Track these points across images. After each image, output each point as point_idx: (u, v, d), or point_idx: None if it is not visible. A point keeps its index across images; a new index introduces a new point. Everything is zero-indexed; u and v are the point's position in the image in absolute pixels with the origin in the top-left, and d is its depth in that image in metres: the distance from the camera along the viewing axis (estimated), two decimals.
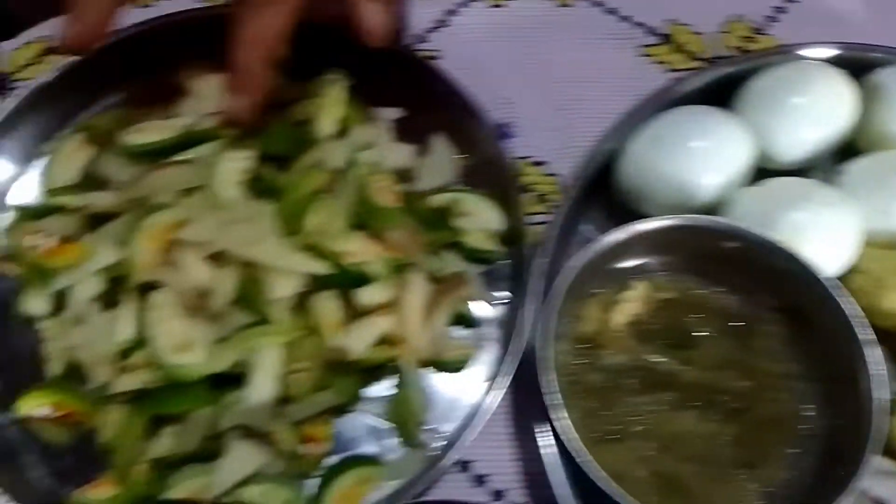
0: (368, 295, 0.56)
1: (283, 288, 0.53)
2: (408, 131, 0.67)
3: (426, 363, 0.58)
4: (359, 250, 0.56)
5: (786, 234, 0.58)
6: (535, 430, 0.58)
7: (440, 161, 0.67)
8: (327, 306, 0.54)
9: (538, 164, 0.70)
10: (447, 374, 0.61)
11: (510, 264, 0.65)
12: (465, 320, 0.62)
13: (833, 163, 0.65)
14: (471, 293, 0.62)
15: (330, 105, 0.61)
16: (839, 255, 0.60)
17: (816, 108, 0.63)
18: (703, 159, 0.61)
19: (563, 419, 0.53)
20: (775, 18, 0.78)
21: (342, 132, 0.63)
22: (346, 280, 0.55)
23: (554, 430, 0.55)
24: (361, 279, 0.56)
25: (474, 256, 0.64)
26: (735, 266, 0.60)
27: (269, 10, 0.51)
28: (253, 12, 0.51)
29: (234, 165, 0.54)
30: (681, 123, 0.63)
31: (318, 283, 0.55)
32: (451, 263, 0.62)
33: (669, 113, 0.64)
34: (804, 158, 0.64)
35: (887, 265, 0.59)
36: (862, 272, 0.60)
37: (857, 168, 0.62)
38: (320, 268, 0.53)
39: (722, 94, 0.66)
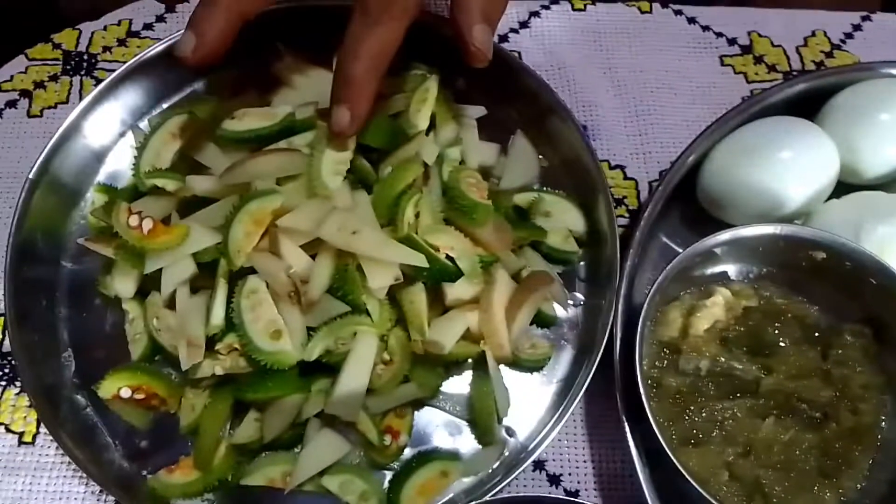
0: (458, 290, 0.56)
1: (381, 278, 0.53)
2: (491, 128, 0.67)
3: (507, 361, 0.58)
4: (451, 245, 0.56)
5: (872, 248, 0.58)
6: (610, 433, 0.58)
7: (523, 160, 0.67)
8: (418, 300, 0.54)
9: (616, 167, 0.70)
10: (525, 372, 0.61)
11: (586, 266, 0.65)
12: (544, 319, 0.62)
13: None
14: (553, 293, 0.62)
15: (423, 100, 0.61)
16: None
17: None
18: (790, 170, 0.61)
19: (651, 422, 0.53)
20: (852, 35, 0.77)
21: (430, 128, 0.63)
22: (439, 274, 0.55)
23: (632, 432, 0.55)
24: (452, 274, 0.56)
25: (554, 256, 0.64)
26: (819, 276, 0.60)
27: (387, 26, 0.50)
28: (370, 27, 0.50)
29: (335, 156, 0.54)
30: (769, 134, 0.63)
31: (409, 277, 0.55)
32: (535, 262, 0.62)
33: (757, 123, 0.64)
34: (888, 174, 0.64)
35: None
36: None
37: None
38: (420, 259, 0.53)
39: (805, 106, 0.66)
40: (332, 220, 0.52)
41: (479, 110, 0.67)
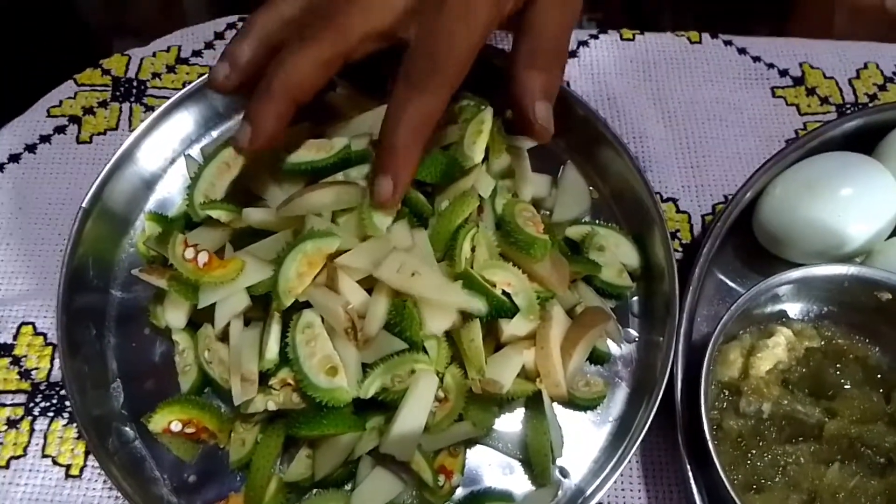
0: (514, 327, 0.55)
1: (439, 322, 0.52)
2: (540, 159, 0.66)
3: (563, 399, 0.56)
4: (508, 280, 0.55)
5: None
6: (668, 476, 0.57)
7: (574, 191, 0.66)
8: (477, 338, 0.53)
9: (668, 200, 0.69)
10: (579, 410, 0.60)
11: (640, 301, 0.63)
12: (598, 356, 0.61)
13: None
14: (608, 329, 0.61)
15: (479, 132, 0.60)
16: None
17: None
18: (851, 207, 0.60)
19: (717, 467, 0.51)
20: None
21: (485, 160, 0.62)
22: (496, 310, 0.54)
23: (695, 477, 0.54)
24: (509, 310, 0.55)
25: (608, 291, 0.62)
26: (882, 317, 0.58)
27: (430, 95, 0.50)
28: (413, 95, 0.50)
29: None
30: (828, 169, 0.62)
31: (466, 313, 0.54)
32: (588, 298, 0.61)
33: (816, 158, 0.63)
34: None
35: None
36: None
37: None
38: (479, 304, 0.52)
39: (863, 141, 0.65)
40: (390, 261, 0.51)
41: (529, 141, 0.66)
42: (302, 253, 0.52)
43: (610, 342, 0.62)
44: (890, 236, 0.62)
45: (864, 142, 0.65)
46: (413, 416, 0.51)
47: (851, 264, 0.58)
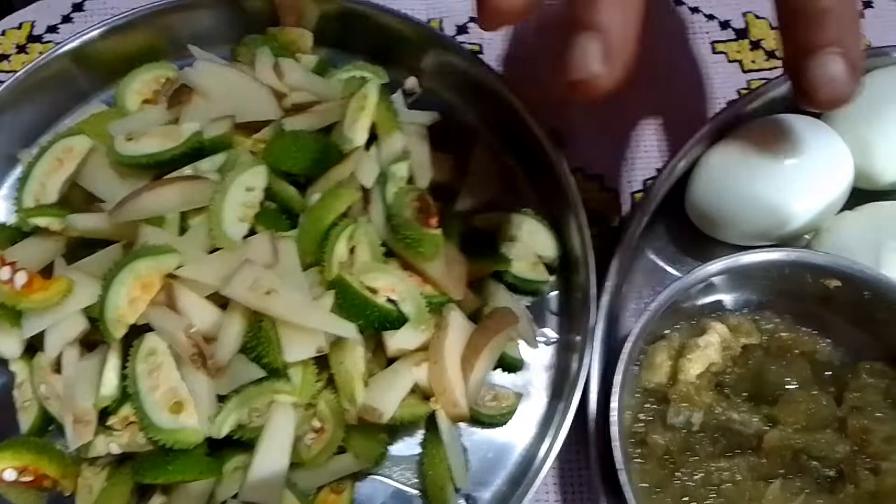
0: (401, 339, 0.47)
1: (300, 349, 0.44)
2: (448, 138, 0.58)
3: (463, 419, 0.49)
4: (392, 286, 0.47)
5: (892, 269, 0.49)
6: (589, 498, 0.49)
7: (484, 174, 0.58)
8: (348, 360, 0.45)
9: (593, 177, 0.60)
10: (487, 428, 0.52)
11: (560, 296, 0.56)
12: (509, 364, 0.53)
13: None
14: (520, 332, 0.53)
15: (360, 109, 0.52)
16: None
17: None
18: (796, 179, 0.52)
19: (628, 495, 0.44)
20: (862, 15, 0.67)
21: (371, 141, 0.54)
22: (377, 322, 0.47)
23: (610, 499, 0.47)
24: (394, 320, 0.47)
25: (521, 287, 0.55)
26: (831, 306, 0.51)
27: None
28: None
29: (240, 197, 0.45)
30: (772, 135, 0.53)
31: None
32: (497, 297, 0.53)
33: (756, 123, 0.54)
34: None
35: None
36: None
37: None
38: (348, 330, 0.44)
39: None
40: (241, 276, 0.43)
41: (430, 116, 0.58)
42: (133, 274, 0.43)
43: (524, 346, 0.54)
44: (843, 209, 0.54)
45: None
46: (272, 456, 0.44)
47: (793, 249, 0.50)
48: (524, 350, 0.54)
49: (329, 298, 0.45)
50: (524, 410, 0.53)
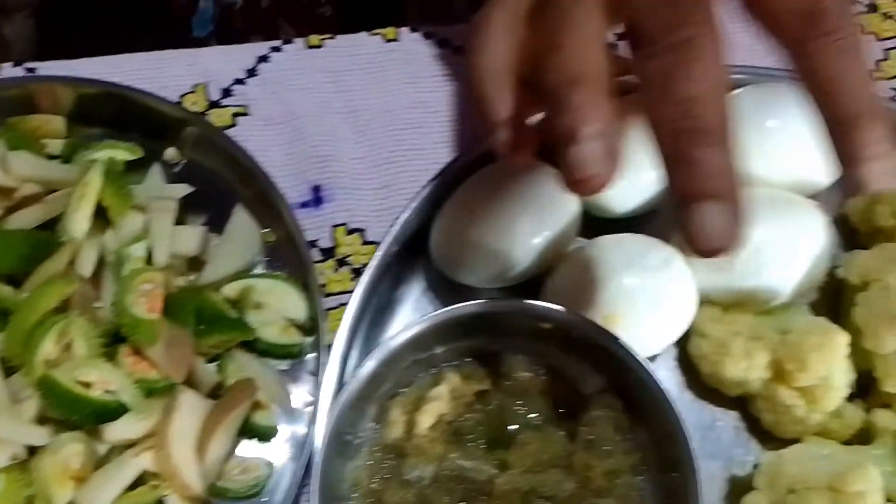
0: (119, 430, 0.48)
1: None
2: (206, 208, 0.59)
3: (198, 500, 0.49)
4: (107, 378, 0.48)
5: (616, 303, 0.51)
6: None
7: (239, 240, 0.59)
8: (51, 460, 0.46)
9: (354, 231, 0.61)
10: (242, 501, 0.53)
11: (317, 357, 0.56)
12: (259, 432, 0.53)
13: None
14: (271, 399, 0.54)
15: (82, 197, 0.53)
16: (677, 321, 0.52)
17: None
18: (520, 220, 0.53)
19: None
20: None
21: (107, 224, 0.54)
22: (94, 417, 0.47)
23: None
24: (112, 412, 0.48)
25: (275, 353, 0.55)
26: (560, 345, 0.51)
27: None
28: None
29: None
30: (496, 177, 0.55)
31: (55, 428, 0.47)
32: (245, 367, 0.54)
33: (485, 171, 0.56)
34: (641, 204, 0.55)
35: (727, 328, 0.51)
36: (703, 336, 0.52)
37: None
38: (40, 437, 0.45)
39: None
40: None
41: (181, 189, 0.59)
42: None
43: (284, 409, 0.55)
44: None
45: None
46: None
47: (483, 301, 0.51)
48: (278, 417, 0.54)
49: (32, 401, 0.46)
50: (280, 478, 0.53)
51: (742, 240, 0.35)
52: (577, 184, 0.36)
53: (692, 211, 0.34)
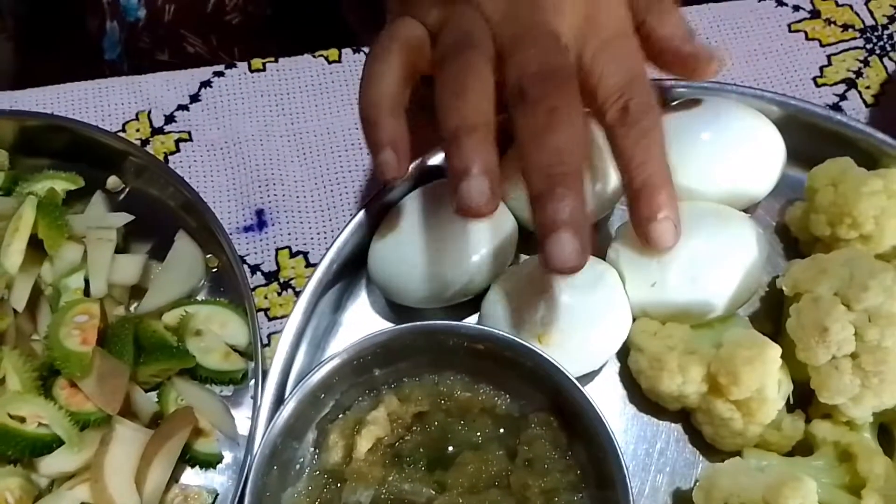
0: (54, 464, 0.48)
1: None
2: (149, 236, 0.60)
3: None
4: (38, 412, 0.48)
5: (550, 322, 0.51)
6: None
7: (181, 267, 0.59)
8: None
9: (298, 254, 0.61)
10: None
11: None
12: (204, 460, 0.53)
13: None
14: (207, 427, 0.53)
15: (15, 231, 0.53)
16: (611, 337, 0.52)
17: None
18: (455, 239, 0.53)
19: None
20: None
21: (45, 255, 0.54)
22: (28, 450, 0.47)
23: None
24: (46, 445, 0.48)
25: (217, 379, 0.55)
26: (497, 364, 0.51)
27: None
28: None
29: None
30: (431, 196, 0.55)
31: None
32: (186, 394, 0.54)
33: (417, 192, 0.56)
34: None
35: (663, 342, 0.51)
36: (640, 350, 0.52)
37: (623, 238, 0.53)
38: None
39: None
40: None
41: (121, 218, 0.59)
42: None
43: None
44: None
45: None
46: None
47: (407, 326, 0.51)
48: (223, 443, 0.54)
49: None
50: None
51: (585, 262, 0.43)
52: (467, 210, 0.44)
53: (552, 238, 0.42)
